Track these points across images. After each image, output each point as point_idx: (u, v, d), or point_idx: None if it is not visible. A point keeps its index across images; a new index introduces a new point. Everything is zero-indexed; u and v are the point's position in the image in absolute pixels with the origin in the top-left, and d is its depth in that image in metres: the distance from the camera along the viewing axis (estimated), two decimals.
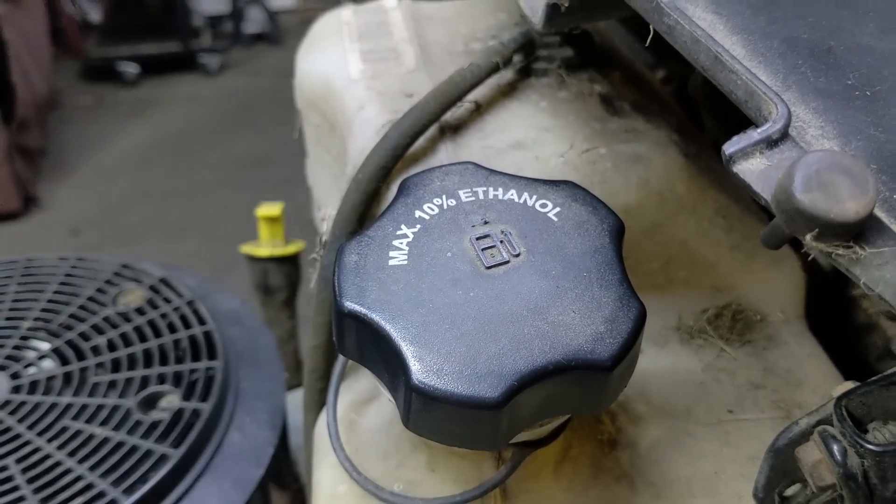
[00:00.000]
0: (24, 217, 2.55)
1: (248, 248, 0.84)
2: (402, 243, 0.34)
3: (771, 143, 0.26)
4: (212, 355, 0.60)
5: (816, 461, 0.32)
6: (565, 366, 0.31)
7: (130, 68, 3.32)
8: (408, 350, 0.31)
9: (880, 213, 0.26)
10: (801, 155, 0.25)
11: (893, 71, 0.32)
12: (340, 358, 0.44)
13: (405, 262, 0.33)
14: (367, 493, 0.39)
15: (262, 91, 3.31)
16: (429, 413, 0.31)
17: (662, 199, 0.46)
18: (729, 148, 0.26)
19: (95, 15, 3.59)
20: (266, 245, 0.83)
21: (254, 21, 3.67)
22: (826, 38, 0.33)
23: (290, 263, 0.84)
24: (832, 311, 0.54)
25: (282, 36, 3.72)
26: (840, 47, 0.33)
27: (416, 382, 0.30)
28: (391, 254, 0.34)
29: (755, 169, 0.26)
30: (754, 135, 0.26)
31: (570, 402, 0.32)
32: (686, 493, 0.39)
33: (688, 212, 0.47)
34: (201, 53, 3.43)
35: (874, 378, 0.32)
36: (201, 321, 0.63)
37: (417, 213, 0.35)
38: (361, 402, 0.44)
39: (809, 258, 0.43)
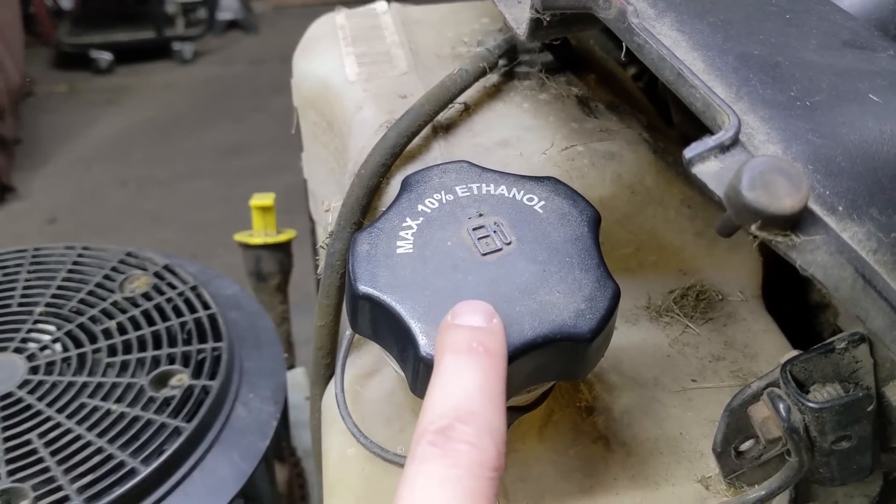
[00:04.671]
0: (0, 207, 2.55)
1: (242, 237, 0.88)
2: (407, 234, 0.39)
3: (724, 148, 0.31)
4: (217, 337, 0.65)
5: (765, 418, 0.37)
6: (551, 338, 0.36)
7: (104, 56, 3.31)
8: (416, 326, 0.36)
9: (815, 207, 0.31)
10: (748, 159, 0.30)
11: (830, 83, 0.37)
12: (346, 335, 0.48)
13: (411, 251, 0.38)
14: (374, 454, 0.44)
15: (236, 78, 3.33)
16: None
17: (633, 192, 0.51)
18: (689, 153, 0.31)
19: (67, 2, 3.57)
20: (259, 234, 0.87)
21: (227, 8, 3.67)
22: (774, 53, 0.38)
23: (282, 251, 0.89)
24: (790, 291, 0.59)
25: (255, 23, 3.73)
26: (786, 62, 0.38)
27: (424, 354, 0.35)
28: (398, 243, 0.38)
29: (710, 170, 0.31)
30: (709, 141, 0.31)
31: (556, 370, 0.37)
32: (654, 451, 0.45)
33: (656, 203, 0.52)
34: (175, 41, 3.43)
35: (815, 346, 0.37)
36: (205, 306, 0.67)
37: (420, 207, 0.40)
38: (364, 375, 0.49)
39: (755, 242, 0.48)
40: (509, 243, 0.38)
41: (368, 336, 0.39)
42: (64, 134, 2.98)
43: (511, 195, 0.41)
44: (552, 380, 0.39)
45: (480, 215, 0.39)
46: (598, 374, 0.48)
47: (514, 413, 0.42)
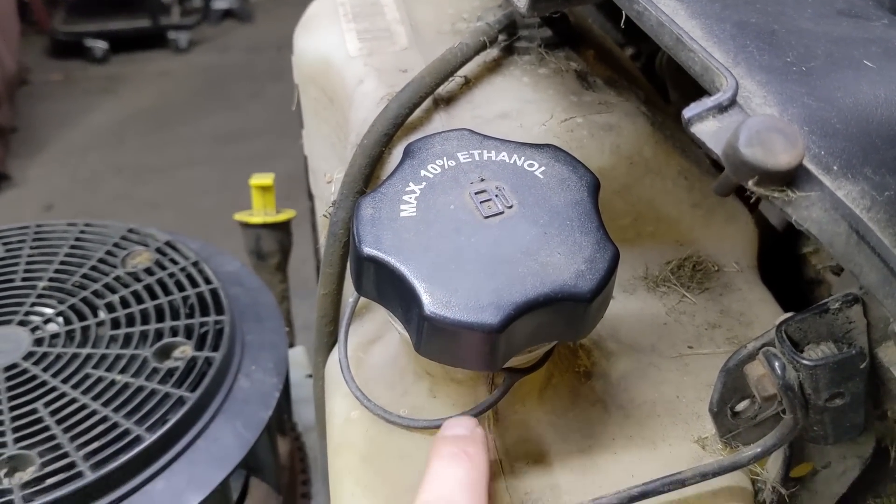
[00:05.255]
0: None
1: (242, 216, 0.89)
2: (410, 198, 0.40)
3: (721, 108, 0.32)
4: (219, 311, 0.65)
5: (761, 375, 0.38)
6: (553, 298, 0.36)
7: (99, 44, 3.30)
8: (420, 286, 0.36)
9: (810, 165, 0.32)
10: (745, 118, 0.31)
11: (825, 50, 0.38)
12: (349, 303, 0.49)
13: (414, 214, 0.39)
14: (377, 417, 0.44)
15: (232, 67, 3.32)
16: (438, 339, 0.37)
17: (632, 163, 0.52)
18: (688, 112, 0.32)
19: None
20: (259, 213, 0.88)
21: None
22: (771, 22, 0.39)
23: (282, 230, 0.89)
24: (786, 268, 0.60)
25: (251, 12, 3.72)
26: (782, 30, 0.39)
27: (429, 313, 0.36)
28: (402, 207, 0.39)
29: (709, 129, 0.32)
30: (708, 102, 0.32)
31: (556, 330, 0.38)
32: (651, 413, 0.46)
33: (654, 173, 0.53)
34: (170, 30, 3.42)
35: (810, 307, 0.38)
36: (207, 280, 0.68)
37: (423, 172, 0.41)
38: (367, 342, 0.50)
39: (753, 205, 0.49)
40: (511, 207, 0.39)
41: (373, 298, 0.40)
42: (59, 122, 2.98)
43: (512, 161, 0.41)
44: (553, 339, 0.40)
45: (482, 180, 0.40)
46: (597, 341, 0.49)
47: (514, 375, 0.43)
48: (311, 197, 0.86)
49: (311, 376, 0.90)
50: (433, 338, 0.37)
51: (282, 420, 0.71)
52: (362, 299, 0.51)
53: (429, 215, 0.39)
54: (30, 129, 2.92)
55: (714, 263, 0.54)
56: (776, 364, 0.37)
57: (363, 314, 0.52)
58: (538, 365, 0.44)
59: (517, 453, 0.44)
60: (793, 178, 0.31)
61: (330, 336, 0.52)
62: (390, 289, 0.38)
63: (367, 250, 0.38)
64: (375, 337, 0.50)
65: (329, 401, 0.48)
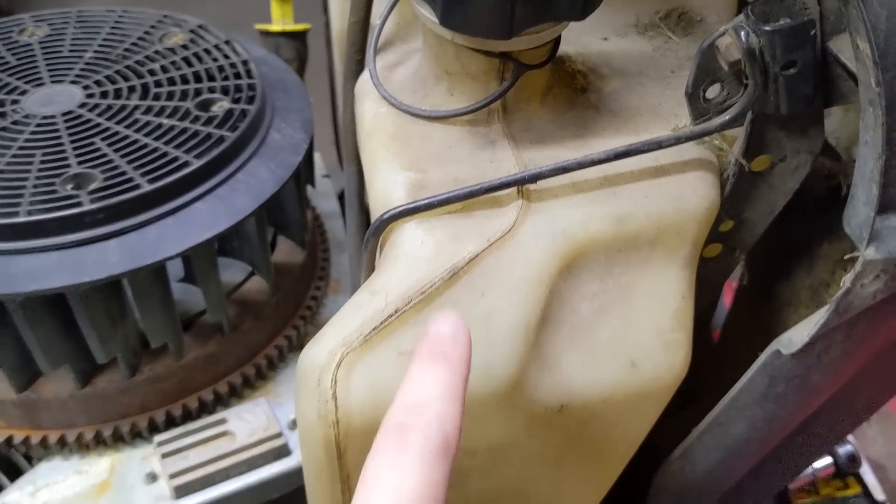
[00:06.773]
0: None
1: (262, 26, 0.95)
2: None
3: None
4: (251, 77, 0.72)
5: (729, 44, 0.45)
6: None
7: None
8: None
9: None
10: None
11: None
12: (375, 27, 0.56)
13: None
14: (402, 111, 0.52)
15: None
16: (460, 6, 0.44)
17: None
18: None
19: None
20: (278, 22, 0.94)
21: None
22: None
23: (299, 39, 0.96)
24: None
25: None
26: None
27: None
28: None
29: None
30: None
31: (562, 6, 0.45)
32: (636, 114, 0.53)
33: None
34: None
35: None
36: (238, 54, 0.75)
37: None
38: (391, 66, 0.57)
39: None
40: None
41: None
42: (59, 4, 2.97)
43: None
44: (559, 18, 0.47)
45: None
46: (591, 67, 0.57)
47: (521, 68, 0.50)
48: (325, 10, 0.92)
49: (327, 176, 0.97)
50: (455, 5, 0.44)
51: (304, 192, 0.79)
52: (386, 27, 0.58)
53: None
54: (27, 10, 2.92)
55: (697, 14, 0.61)
56: (742, 33, 0.45)
57: (386, 48, 0.59)
58: (542, 64, 0.51)
59: (521, 137, 0.51)
60: None
61: (358, 64, 0.59)
62: None
63: None
64: (399, 62, 0.57)
65: (359, 108, 0.56)
